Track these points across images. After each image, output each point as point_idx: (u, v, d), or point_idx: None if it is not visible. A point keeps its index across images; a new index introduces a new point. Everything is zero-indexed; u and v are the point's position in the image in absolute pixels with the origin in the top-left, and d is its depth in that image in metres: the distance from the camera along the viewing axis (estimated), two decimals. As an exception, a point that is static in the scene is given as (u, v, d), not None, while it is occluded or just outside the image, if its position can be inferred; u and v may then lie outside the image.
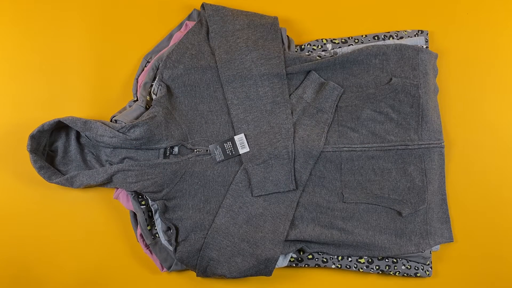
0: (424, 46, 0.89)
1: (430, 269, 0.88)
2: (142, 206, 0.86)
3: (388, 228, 0.86)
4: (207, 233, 0.85)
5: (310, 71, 0.87)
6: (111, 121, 0.87)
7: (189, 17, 0.92)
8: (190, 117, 0.87)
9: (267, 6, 0.94)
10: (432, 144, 0.86)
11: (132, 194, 0.85)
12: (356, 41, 0.90)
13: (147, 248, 0.87)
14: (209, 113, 0.87)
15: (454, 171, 0.91)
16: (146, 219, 0.86)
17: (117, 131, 0.82)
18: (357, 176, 0.86)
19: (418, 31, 0.90)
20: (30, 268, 0.92)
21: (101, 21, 0.95)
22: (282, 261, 0.86)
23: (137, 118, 0.85)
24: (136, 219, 0.87)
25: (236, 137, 0.86)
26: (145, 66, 0.90)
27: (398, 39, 0.90)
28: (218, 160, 0.86)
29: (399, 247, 0.85)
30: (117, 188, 0.88)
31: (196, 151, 0.87)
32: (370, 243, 0.85)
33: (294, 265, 0.88)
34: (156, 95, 0.86)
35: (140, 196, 0.86)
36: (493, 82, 0.92)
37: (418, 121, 0.86)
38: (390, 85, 0.86)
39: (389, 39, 0.90)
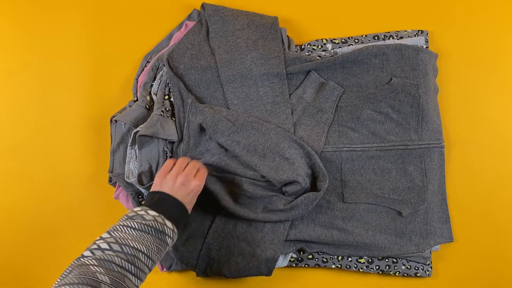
0: (424, 46, 0.89)
1: (430, 269, 0.88)
2: (142, 206, 0.86)
3: (388, 228, 0.86)
4: (207, 233, 0.85)
5: (310, 71, 0.87)
6: (111, 121, 0.87)
7: (189, 17, 0.92)
8: None
9: (267, 6, 0.94)
10: (432, 144, 0.86)
11: (132, 194, 0.85)
12: (356, 41, 0.90)
13: (147, 248, 0.87)
14: None
15: (454, 171, 0.91)
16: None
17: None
18: (357, 176, 0.86)
19: (418, 31, 0.90)
20: (30, 268, 0.92)
21: (101, 21, 0.95)
22: (282, 261, 0.86)
23: (137, 118, 0.85)
24: (136, 219, 0.87)
25: None
26: (145, 66, 0.90)
27: (398, 39, 0.90)
28: None
29: (399, 247, 0.85)
30: (117, 188, 0.88)
31: None
32: (370, 243, 0.85)
33: (294, 265, 0.88)
34: (156, 95, 0.86)
35: (140, 196, 0.86)
36: (493, 82, 0.92)
37: (418, 121, 0.86)
38: (390, 85, 0.86)
39: (389, 39, 0.90)
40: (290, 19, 0.94)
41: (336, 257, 0.88)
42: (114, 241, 0.58)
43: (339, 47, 0.90)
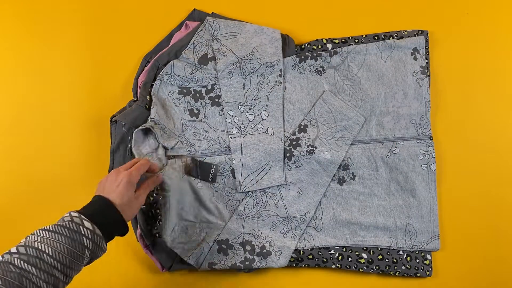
0: (424, 46, 0.89)
1: (430, 269, 0.88)
2: (142, 206, 0.86)
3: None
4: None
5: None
6: (111, 121, 0.87)
7: (189, 17, 0.92)
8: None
9: (266, 6, 0.94)
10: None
11: (132, 194, 0.85)
12: (356, 41, 0.90)
13: (147, 248, 0.87)
14: None
15: (453, 171, 0.91)
16: (146, 219, 0.86)
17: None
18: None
19: (418, 31, 0.90)
20: (30, 268, 0.92)
21: (101, 21, 0.95)
22: (283, 261, 0.86)
23: (137, 117, 0.85)
24: (136, 219, 0.87)
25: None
26: (145, 66, 0.90)
27: (398, 39, 0.90)
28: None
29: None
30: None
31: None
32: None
33: (294, 265, 0.88)
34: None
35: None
36: (493, 82, 0.92)
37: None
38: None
39: (389, 39, 0.90)
40: (290, 19, 0.94)
41: (336, 257, 0.88)
42: (22, 244, 0.59)
43: (339, 47, 0.90)
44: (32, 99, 0.94)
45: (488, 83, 0.92)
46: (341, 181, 0.88)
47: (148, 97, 0.87)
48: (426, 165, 0.87)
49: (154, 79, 0.88)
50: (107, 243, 0.67)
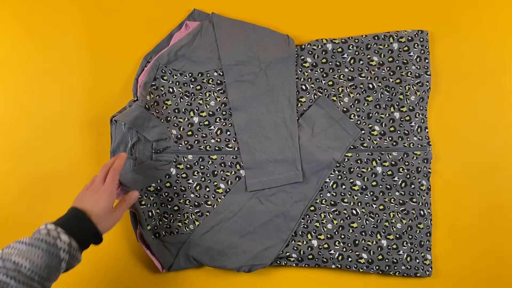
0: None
1: (430, 269, 0.88)
2: (142, 206, 0.86)
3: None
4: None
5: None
6: (111, 121, 0.87)
7: (189, 17, 0.92)
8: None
9: (267, 6, 0.94)
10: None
11: (132, 194, 0.86)
12: (356, 41, 0.90)
13: (147, 248, 0.87)
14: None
15: (452, 171, 0.91)
16: (146, 219, 0.86)
17: None
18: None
19: (418, 31, 0.90)
20: (30, 268, 0.92)
21: (101, 21, 0.95)
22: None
23: (136, 117, 0.85)
24: (136, 219, 0.87)
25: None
26: (145, 66, 0.90)
27: (398, 39, 0.90)
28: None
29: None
30: (117, 188, 0.88)
31: None
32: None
33: (294, 265, 0.88)
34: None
35: (139, 196, 0.86)
36: (493, 82, 0.92)
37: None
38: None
39: (389, 39, 0.90)
40: (290, 19, 0.94)
41: (336, 257, 0.88)
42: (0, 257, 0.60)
43: (339, 47, 0.90)
44: (32, 99, 0.94)
45: (488, 83, 0.92)
46: None
47: (148, 97, 0.87)
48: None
49: (154, 79, 0.88)
50: (92, 247, 0.70)
